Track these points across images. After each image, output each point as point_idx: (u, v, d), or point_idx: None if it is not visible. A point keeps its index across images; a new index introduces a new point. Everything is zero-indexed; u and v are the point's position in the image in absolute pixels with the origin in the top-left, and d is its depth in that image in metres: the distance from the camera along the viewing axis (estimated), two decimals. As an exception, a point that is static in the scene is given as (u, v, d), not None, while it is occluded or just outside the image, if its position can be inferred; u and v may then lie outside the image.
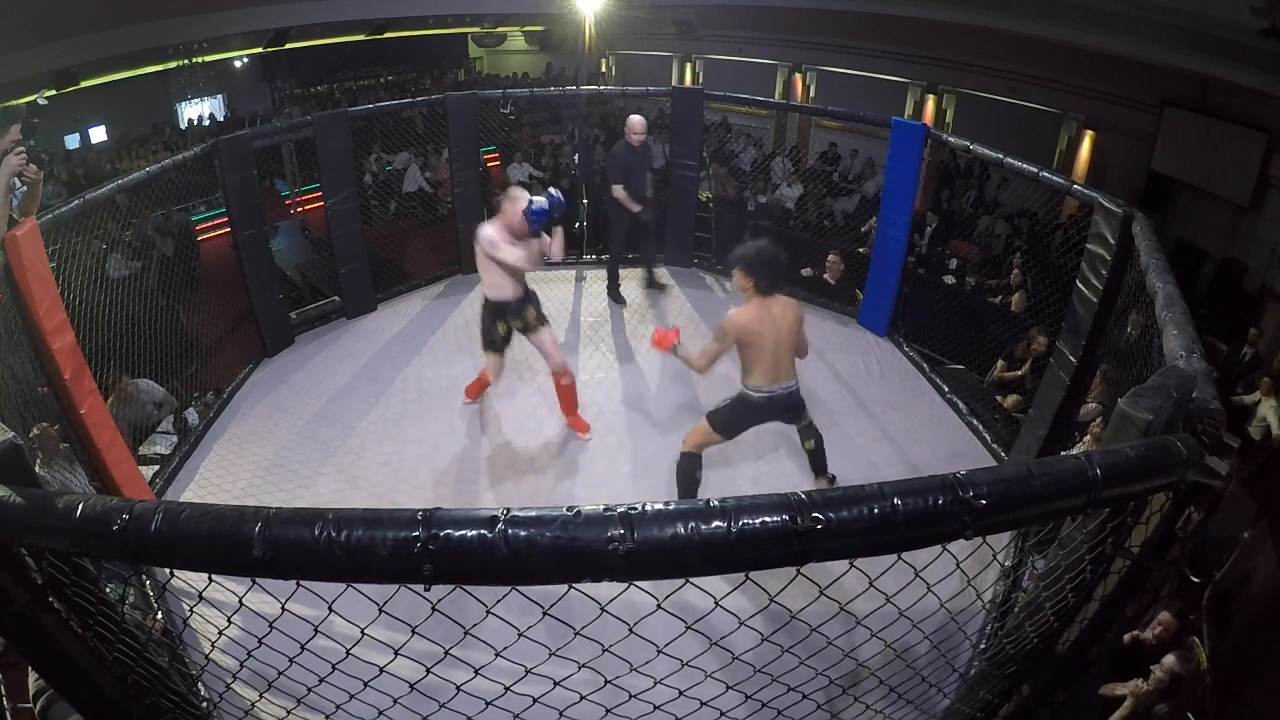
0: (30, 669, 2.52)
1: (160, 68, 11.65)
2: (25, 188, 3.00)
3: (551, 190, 3.70)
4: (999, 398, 4.99)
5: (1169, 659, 3.09)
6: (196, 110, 13.02)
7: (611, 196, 5.33)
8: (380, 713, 1.38)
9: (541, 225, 3.66)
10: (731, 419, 3.31)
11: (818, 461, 3.55)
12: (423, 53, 15.57)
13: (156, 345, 4.76)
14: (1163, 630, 3.33)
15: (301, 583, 1.04)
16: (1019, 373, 5.15)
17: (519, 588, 1.03)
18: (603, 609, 1.16)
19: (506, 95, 7.05)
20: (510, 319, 3.94)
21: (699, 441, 3.38)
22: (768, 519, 0.97)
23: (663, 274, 6.05)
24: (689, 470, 3.43)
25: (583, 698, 1.32)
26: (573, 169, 8.94)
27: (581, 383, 4.71)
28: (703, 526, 0.96)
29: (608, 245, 5.92)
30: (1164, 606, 3.40)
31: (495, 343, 3.99)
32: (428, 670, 1.27)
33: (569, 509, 0.98)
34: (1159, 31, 8.03)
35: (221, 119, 12.84)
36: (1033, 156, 4.09)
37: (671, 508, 0.98)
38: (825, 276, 5.97)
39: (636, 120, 5.25)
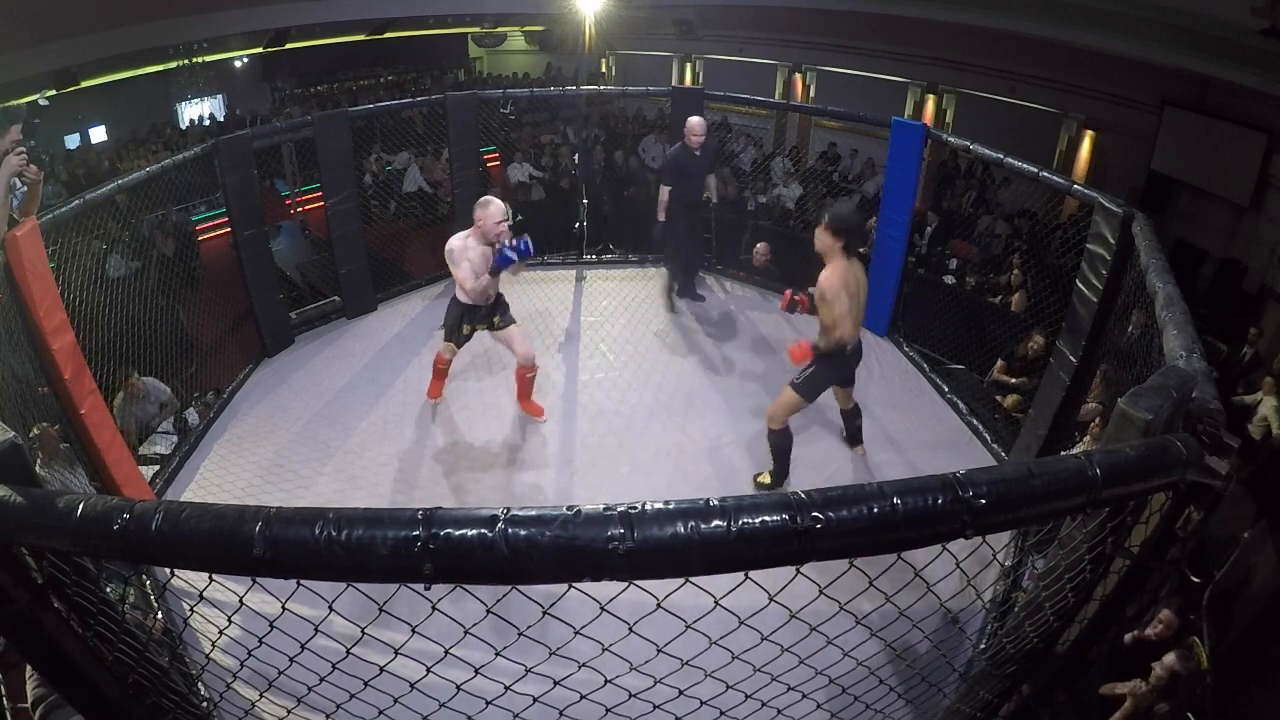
0: (29, 671, 2.52)
1: (160, 68, 11.65)
2: (25, 188, 3.00)
3: (526, 239, 3.68)
4: (999, 398, 4.99)
5: (1169, 658, 3.09)
6: (196, 110, 13.02)
7: (660, 198, 5.13)
8: (380, 712, 1.38)
9: (502, 270, 3.75)
10: (818, 381, 3.49)
11: (856, 434, 4.06)
12: (423, 53, 15.57)
13: (156, 345, 4.76)
14: (1164, 627, 3.33)
15: (302, 582, 1.04)
16: (1018, 378, 5.14)
17: (519, 587, 1.03)
18: (603, 608, 1.16)
19: (506, 95, 7.05)
20: (478, 322, 4.11)
21: (787, 413, 3.55)
22: (767, 518, 0.97)
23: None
24: (785, 445, 3.62)
25: (583, 697, 1.32)
26: (572, 169, 8.93)
27: (581, 382, 4.72)
28: (702, 526, 0.96)
29: (666, 251, 5.60)
30: (1164, 605, 3.40)
31: (455, 337, 4.14)
32: (428, 670, 1.27)
33: (569, 508, 0.98)
34: (1159, 31, 8.03)
35: (221, 119, 12.83)
36: (1033, 156, 4.09)
37: (671, 507, 0.98)
38: None
39: (696, 122, 4.97)
